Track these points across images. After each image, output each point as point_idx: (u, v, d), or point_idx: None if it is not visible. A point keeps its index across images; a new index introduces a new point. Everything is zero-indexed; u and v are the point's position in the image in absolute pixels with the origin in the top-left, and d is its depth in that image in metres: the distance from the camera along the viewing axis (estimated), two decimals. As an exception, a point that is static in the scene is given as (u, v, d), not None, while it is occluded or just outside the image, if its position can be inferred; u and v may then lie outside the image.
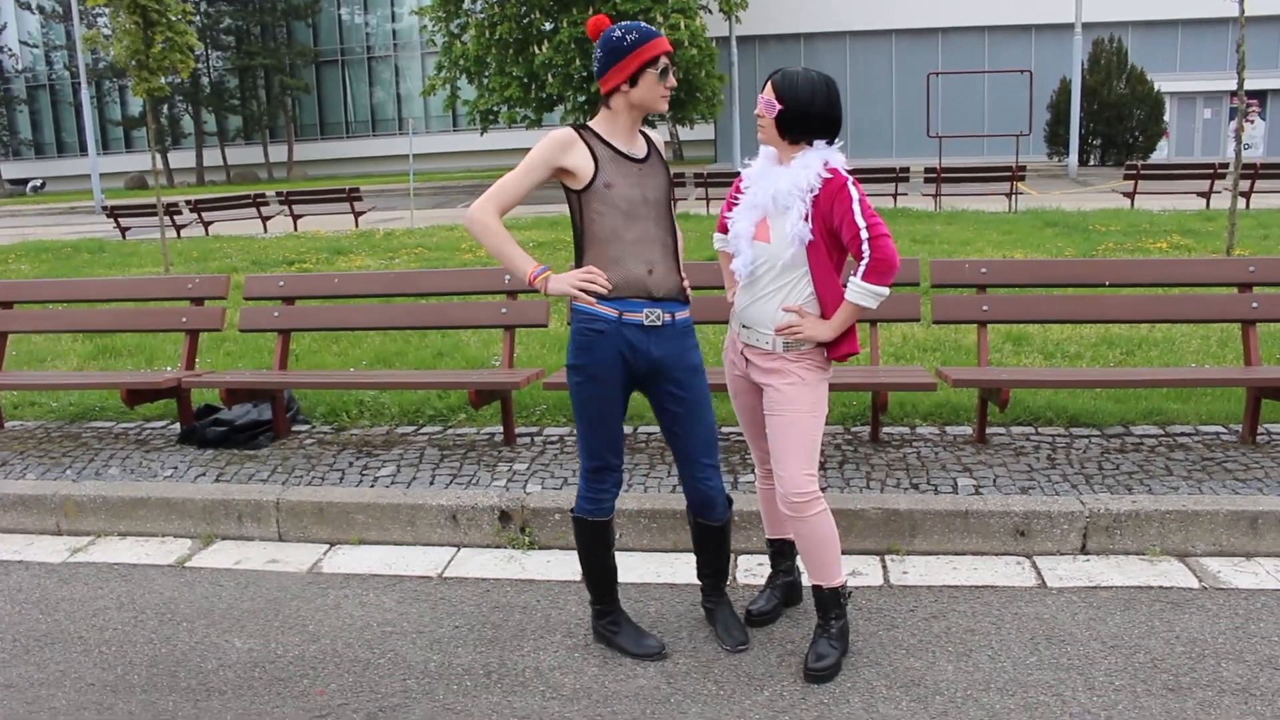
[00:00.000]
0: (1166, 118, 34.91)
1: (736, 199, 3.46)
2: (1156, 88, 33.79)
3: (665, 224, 3.35)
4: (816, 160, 3.23)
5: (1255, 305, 5.17)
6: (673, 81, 3.30)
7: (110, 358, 7.92)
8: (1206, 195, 17.85)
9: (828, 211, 3.20)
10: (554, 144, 3.26)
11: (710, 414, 3.46)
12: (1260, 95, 36.03)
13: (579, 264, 3.33)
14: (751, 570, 4.17)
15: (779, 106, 3.22)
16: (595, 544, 3.50)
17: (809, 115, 3.22)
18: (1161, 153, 35.38)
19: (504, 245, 3.28)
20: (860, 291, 3.20)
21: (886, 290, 3.22)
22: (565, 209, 3.41)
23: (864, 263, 3.17)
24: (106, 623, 3.94)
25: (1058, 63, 34.17)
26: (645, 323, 3.28)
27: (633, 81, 3.23)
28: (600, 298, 3.26)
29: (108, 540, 4.84)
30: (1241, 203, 15.05)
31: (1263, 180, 17.96)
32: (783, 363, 3.32)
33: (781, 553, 3.77)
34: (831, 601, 3.40)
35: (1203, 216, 14.69)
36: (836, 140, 3.29)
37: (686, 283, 3.43)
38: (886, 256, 3.16)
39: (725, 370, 3.61)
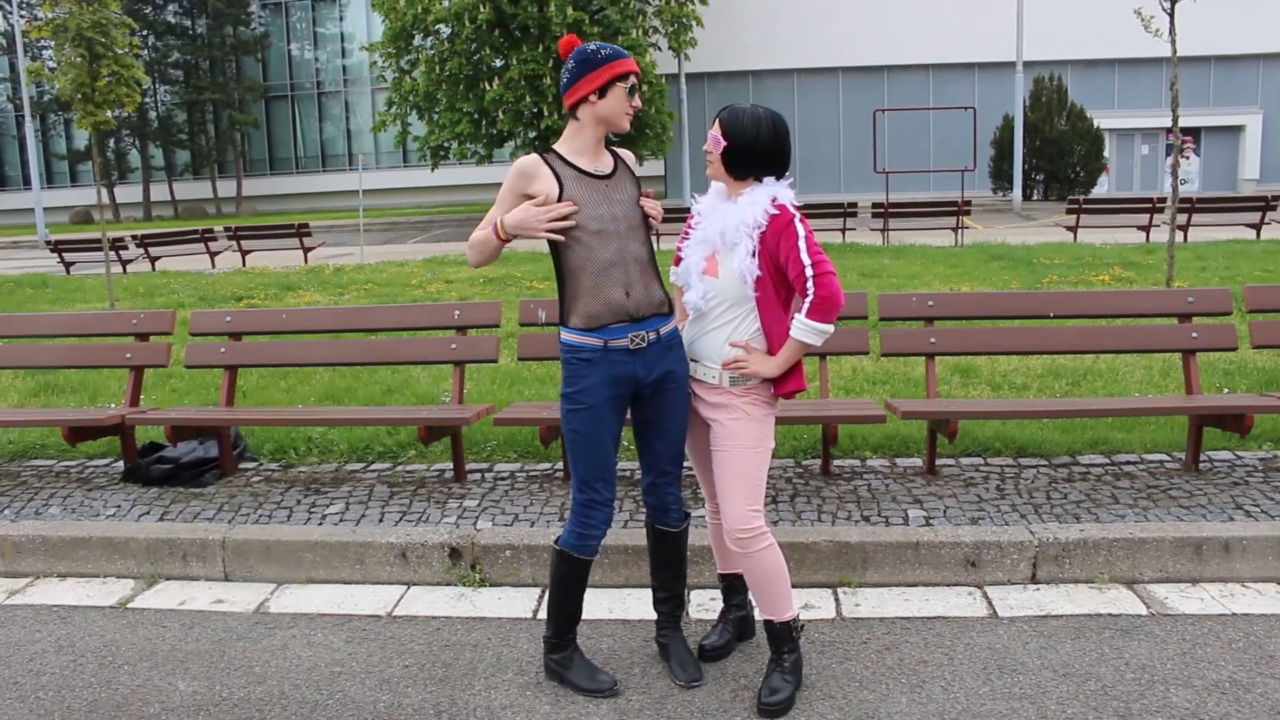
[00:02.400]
0: (1106, 153, 35.69)
1: (689, 232, 3.47)
2: (1096, 124, 34.56)
3: (639, 237, 3.37)
4: (764, 196, 3.25)
5: (1195, 335, 5.28)
6: (638, 102, 3.35)
7: (52, 394, 7.76)
8: (1146, 229, 18.23)
9: (774, 248, 3.22)
10: (518, 174, 3.32)
11: (684, 427, 3.50)
12: (1194, 132, 37.00)
13: (560, 296, 3.37)
14: (704, 605, 4.15)
15: (724, 143, 3.26)
16: (572, 581, 3.48)
17: (754, 151, 3.25)
18: (1102, 187, 36.13)
19: (478, 234, 3.38)
20: (804, 328, 3.21)
21: (830, 328, 3.23)
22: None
23: (808, 300, 3.19)
24: (44, 666, 3.83)
25: (1000, 100, 34.85)
26: (631, 347, 3.31)
27: (601, 93, 3.27)
28: (583, 329, 3.29)
29: (47, 581, 4.72)
30: (1179, 235, 15.38)
31: (1199, 214, 18.39)
32: (729, 397, 3.33)
33: (733, 587, 3.75)
34: (784, 635, 3.39)
35: (1143, 249, 15.00)
36: (785, 176, 3.33)
37: (670, 292, 3.49)
38: (830, 294, 3.17)
39: None
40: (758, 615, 3.52)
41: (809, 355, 3.46)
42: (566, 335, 3.34)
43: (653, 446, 3.48)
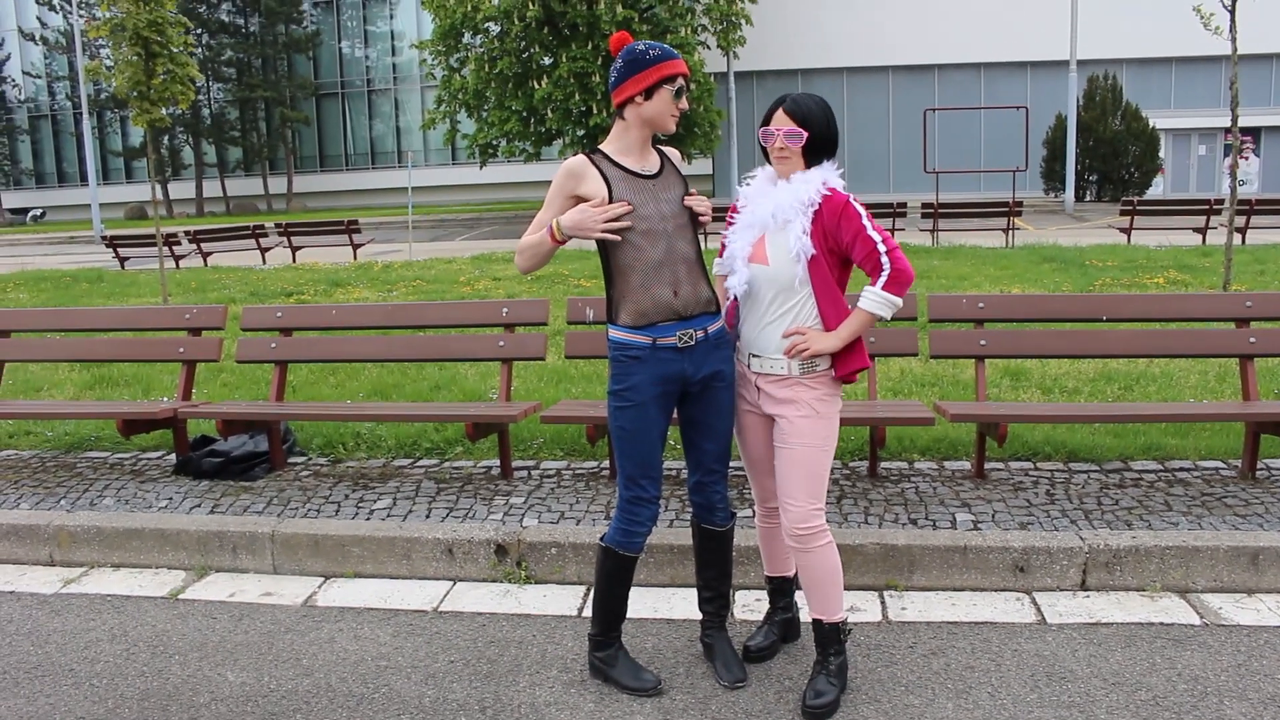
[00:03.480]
0: (1162, 154, 35.13)
1: (733, 219, 3.46)
2: (1151, 124, 34.04)
3: (687, 236, 3.38)
4: (815, 177, 3.26)
5: (1253, 340, 5.17)
6: (685, 104, 3.34)
7: (107, 387, 7.90)
8: (1203, 231, 17.91)
9: (833, 229, 3.21)
10: (566, 174, 3.34)
11: (731, 425, 3.51)
12: (1254, 132, 36.29)
13: (609, 294, 3.38)
14: (749, 606, 4.14)
15: (806, 134, 3.24)
16: (618, 577, 3.48)
17: (828, 137, 3.27)
18: (1157, 188, 35.58)
19: (529, 239, 3.39)
20: (877, 300, 3.21)
21: (901, 301, 3.24)
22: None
23: (884, 274, 3.19)
24: (98, 655, 3.90)
25: (1053, 99, 34.42)
26: (679, 345, 3.31)
27: (648, 94, 3.27)
28: (631, 326, 3.29)
29: (101, 571, 4.81)
30: (1237, 238, 15.11)
31: (1258, 216, 18.04)
32: (797, 390, 3.30)
33: (780, 589, 3.73)
34: (831, 637, 3.38)
35: (1199, 252, 14.74)
36: (834, 161, 3.33)
37: (718, 291, 3.48)
38: (905, 268, 3.19)
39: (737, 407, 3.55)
40: (805, 616, 3.48)
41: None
42: (615, 333, 3.35)
43: (700, 445, 3.48)
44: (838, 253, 3.26)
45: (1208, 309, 5.56)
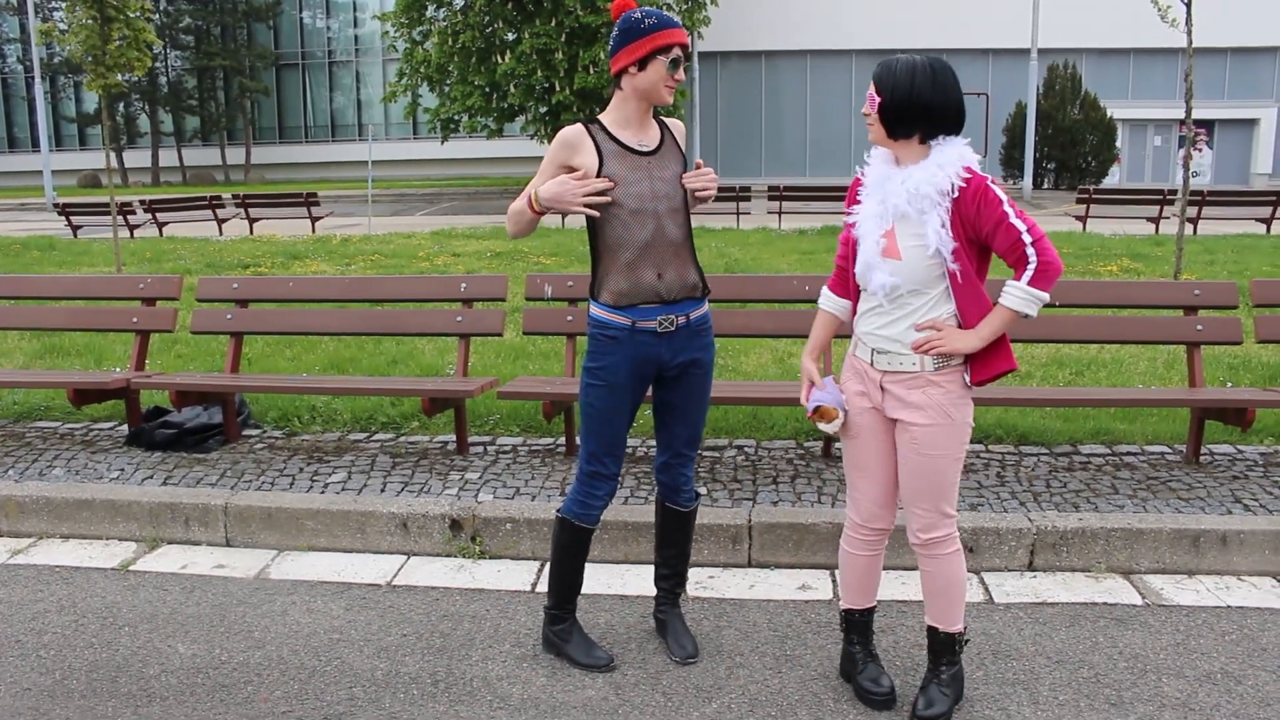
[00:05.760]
0: (1118, 144, 35.56)
1: (854, 208, 3.12)
2: (1109, 114, 34.44)
3: (679, 218, 3.29)
4: (953, 159, 2.90)
5: (1200, 328, 5.27)
6: (681, 75, 3.24)
7: (58, 357, 7.79)
8: (1156, 220, 18.18)
9: (972, 216, 2.89)
10: (560, 144, 3.27)
11: (704, 413, 3.49)
12: (1207, 124, 36.84)
13: (594, 269, 3.32)
14: (702, 583, 4.17)
15: (879, 99, 2.92)
16: (574, 549, 3.48)
17: (914, 104, 2.88)
18: (1113, 178, 36.02)
19: (516, 205, 3.33)
20: (1025, 297, 2.88)
21: (1048, 296, 2.92)
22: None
23: (1031, 267, 2.86)
24: (46, 626, 3.86)
25: (1013, 87, 34.72)
26: (659, 329, 3.28)
27: (641, 65, 3.19)
28: (612, 306, 3.25)
29: (49, 542, 4.75)
30: (1189, 228, 15.34)
31: (1209, 207, 18.31)
32: (930, 391, 2.99)
33: (869, 623, 3.37)
34: (947, 647, 3.18)
35: (1152, 241, 14.96)
36: (962, 135, 2.96)
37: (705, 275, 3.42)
38: (1054, 260, 2.87)
39: (841, 396, 3.18)
40: (926, 620, 3.22)
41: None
42: (595, 310, 3.31)
43: (671, 428, 3.47)
44: (976, 242, 2.94)
45: (1158, 297, 5.65)
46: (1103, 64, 37.51)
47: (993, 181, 2.91)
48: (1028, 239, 2.86)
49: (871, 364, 3.07)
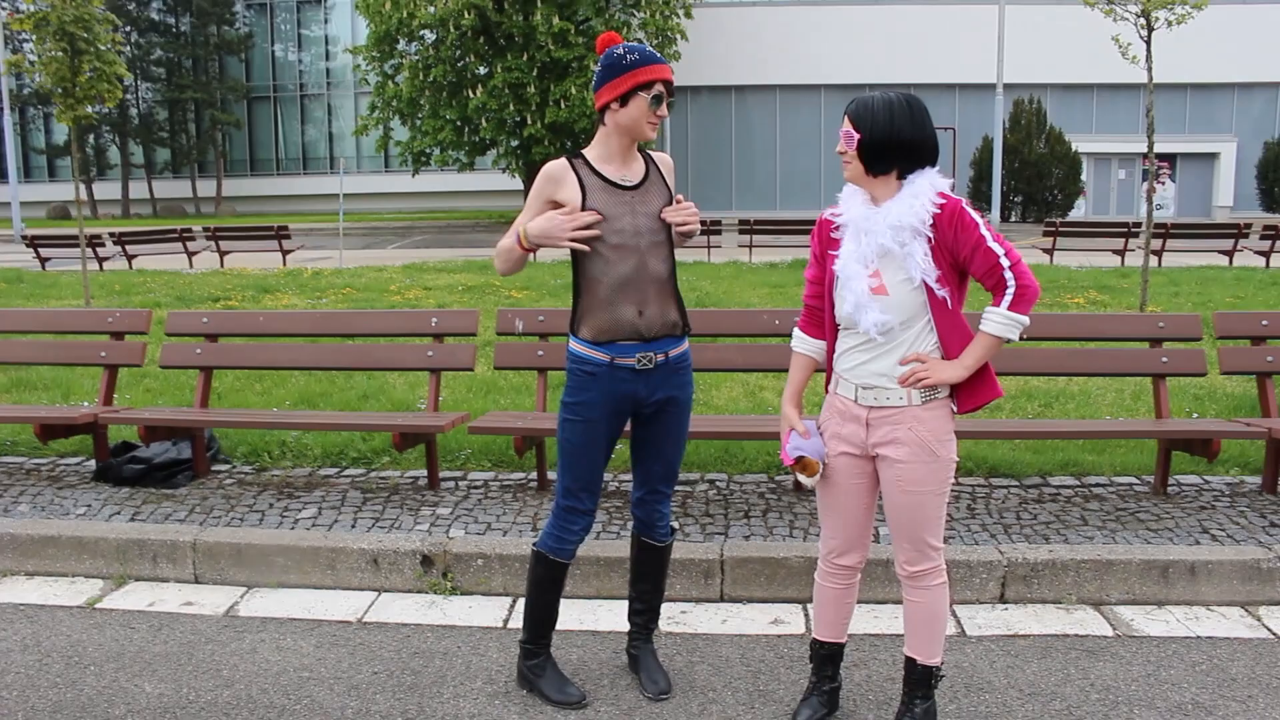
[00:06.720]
0: (1084, 177, 36.07)
1: (834, 249, 3.08)
2: (1074, 148, 34.96)
3: (661, 254, 3.28)
4: (925, 188, 2.92)
5: (1165, 360, 5.34)
6: (664, 111, 3.23)
7: (25, 390, 7.70)
8: (1121, 253, 18.40)
9: (950, 241, 2.90)
10: (545, 179, 3.26)
11: (681, 449, 3.49)
12: (1170, 158, 37.43)
13: (574, 303, 3.31)
14: (675, 619, 4.16)
15: (858, 136, 2.92)
16: (548, 583, 3.47)
17: (894, 140, 2.90)
18: (1079, 210, 36.50)
19: (504, 242, 3.31)
20: (1005, 322, 2.91)
21: (1029, 320, 2.95)
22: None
23: (1010, 291, 2.89)
24: (9, 665, 3.80)
25: (980, 121, 35.19)
26: (637, 367, 3.27)
27: (623, 101, 3.19)
28: (591, 341, 3.25)
29: (14, 580, 4.68)
30: (1154, 260, 15.56)
31: (1173, 239, 18.57)
32: (915, 427, 2.98)
33: (833, 657, 3.35)
34: (923, 680, 3.17)
35: (1118, 273, 15.15)
36: (934, 166, 2.98)
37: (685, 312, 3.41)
38: (1032, 283, 2.91)
39: (823, 446, 3.16)
40: (905, 652, 3.20)
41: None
42: (574, 345, 3.31)
43: (647, 465, 3.47)
44: (957, 267, 2.95)
45: (1124, 329, 5.72)
46: (1067, 99, 38.10)
47: (968, 204, 2.93)
48: (1005, 263, 2.88)
49: (856, 400, 3.06)
